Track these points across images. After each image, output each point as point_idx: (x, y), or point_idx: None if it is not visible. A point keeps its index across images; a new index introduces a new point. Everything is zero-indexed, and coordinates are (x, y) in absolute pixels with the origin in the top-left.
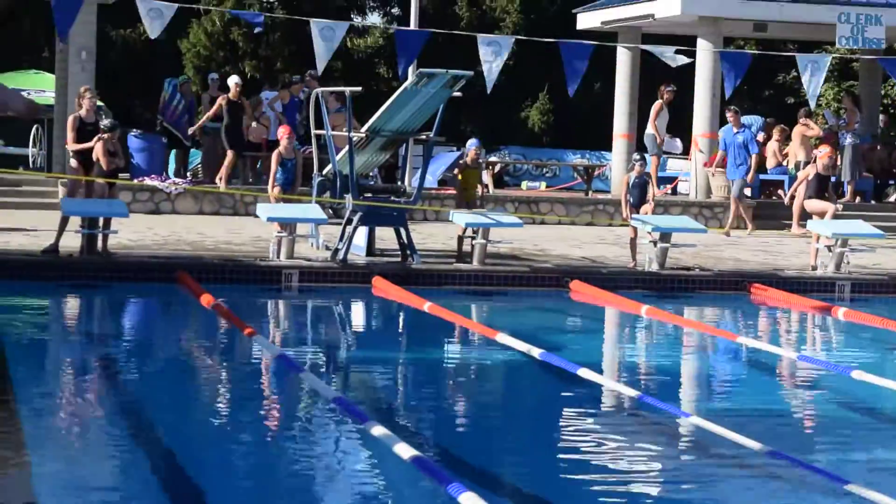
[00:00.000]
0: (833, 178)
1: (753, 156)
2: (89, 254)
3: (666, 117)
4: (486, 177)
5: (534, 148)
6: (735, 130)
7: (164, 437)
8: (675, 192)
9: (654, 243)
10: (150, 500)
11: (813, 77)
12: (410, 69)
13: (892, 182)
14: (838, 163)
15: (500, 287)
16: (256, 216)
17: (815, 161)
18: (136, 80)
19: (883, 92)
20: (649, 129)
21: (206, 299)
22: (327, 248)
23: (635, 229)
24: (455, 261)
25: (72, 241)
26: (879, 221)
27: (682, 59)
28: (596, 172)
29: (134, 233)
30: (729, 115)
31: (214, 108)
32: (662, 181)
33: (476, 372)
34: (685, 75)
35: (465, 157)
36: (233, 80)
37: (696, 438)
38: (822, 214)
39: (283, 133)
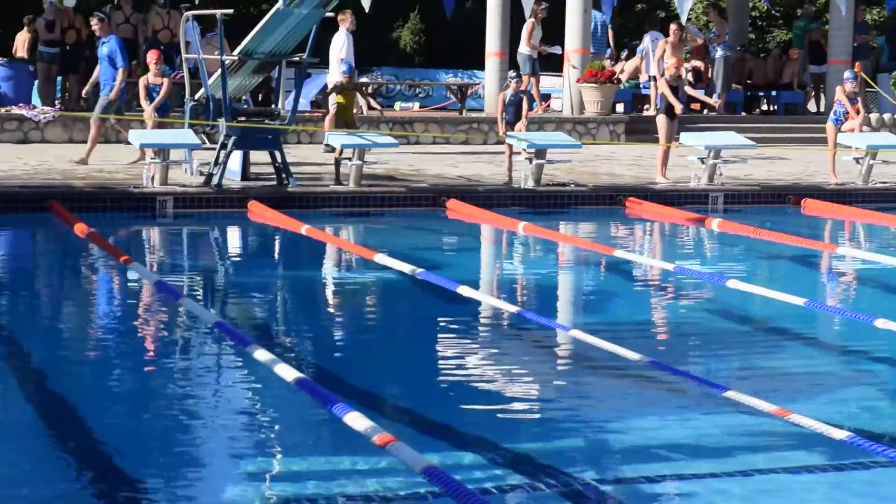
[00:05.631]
0: (703, 91)
1: (121, 70)
2: None
3: (539, 35)
4: (361, 99)
5: (406, 68)
6: (103, 39)
7: (42, 368)
8: (548, 109)
9: (530, 160)
10: (25, 432)
11: None
12: None
13: (762, 94)
14: (710, 75)
15: (376, 208)
16: (129, 143)
17: (663, 73)
18: None
19: (751, 4)
20: (523, 49)
21: (80, 228)
22: (201, 173)
23: (511, 147)
24: (335, 184)
25: None
26: (750, 132)
27: None
28: (469, 91)
29: (3, 162)
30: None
31: None
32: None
33: (356, 293)
34: None
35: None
36: None
37: (577, 351)
38: (665, 135)
39: (151, 58)
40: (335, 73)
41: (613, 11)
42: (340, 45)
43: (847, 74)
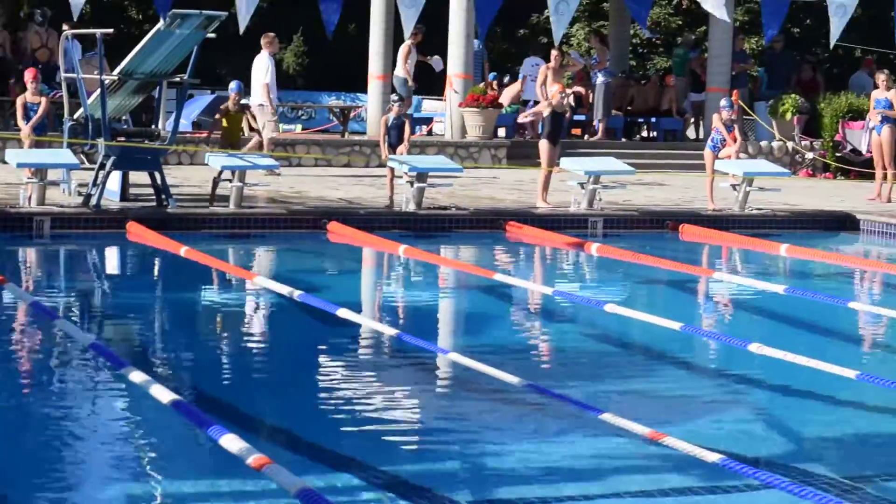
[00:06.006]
0: (584, 117)
1: None
2: None
3: (415, 58)
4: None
5: (289, 90)
6: None
7: None
8: (431, 133)
9: (411, 183)
10: None
11: (561, 16)
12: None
13: (642, 120)
14: (591, 101)
15: (257, 230)
16: (5, 162)
17: (548, 99)
18: None
19: (632, 32)
20: (399, 72)
21: None
22: (80, 193)
23: (392, 170)
24: (209, 204)
25: None
26: (630, 158)
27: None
28: (352, 114)
29: None
30: None
31: None
32: (419, 122)
33: (235, 315)
34: (439, 15)
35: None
36: None
37: (456, 374)
38: (547, 160)
39: (28, 77)
40: (258, 96)
41: (494, 37)
42: (265, 70)
43: (723, 102)
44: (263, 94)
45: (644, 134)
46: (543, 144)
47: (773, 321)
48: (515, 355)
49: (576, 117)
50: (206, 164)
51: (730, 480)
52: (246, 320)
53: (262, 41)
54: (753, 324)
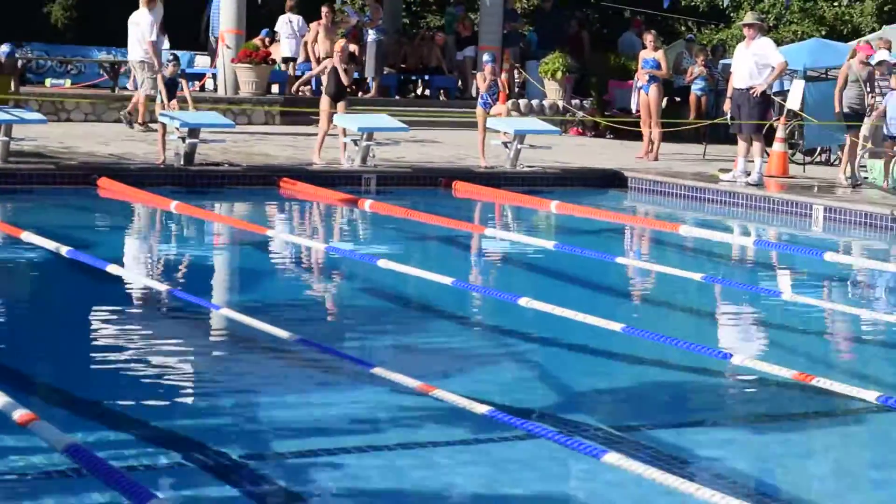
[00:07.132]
0: (357, 74)
1: None
2: None
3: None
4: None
5: (58, 44)
6: None
7: None
8: (203, 88)
9: (183, 139)
10: None
11: None
12: None
13: (415, 77)
14: (363, 58)
15: (24, 185)
16: None
17: (317, 56)
18: None
19: None
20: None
21: None
22: None
23: (164, 126)
24: None
25: None
26: (404, 116)
27: None
28: (122, 69)
29: None
30: None
31: None
32: (190, 78)
33: (1, 271)
34: None
35: None
36: None
37: (228, 330)
38: (327, 116)
39: None
40: (138, 53)
41: None
42: (150, 27)
43: (486, 57)
44: (150, 50)
45: (418, 92)
46: (324, 101)
47: (543, 276)
48: (288, 311)
49: None
50: None
51: (499, 431)
52: (13, 277)
53: None
54: (524, 279)
